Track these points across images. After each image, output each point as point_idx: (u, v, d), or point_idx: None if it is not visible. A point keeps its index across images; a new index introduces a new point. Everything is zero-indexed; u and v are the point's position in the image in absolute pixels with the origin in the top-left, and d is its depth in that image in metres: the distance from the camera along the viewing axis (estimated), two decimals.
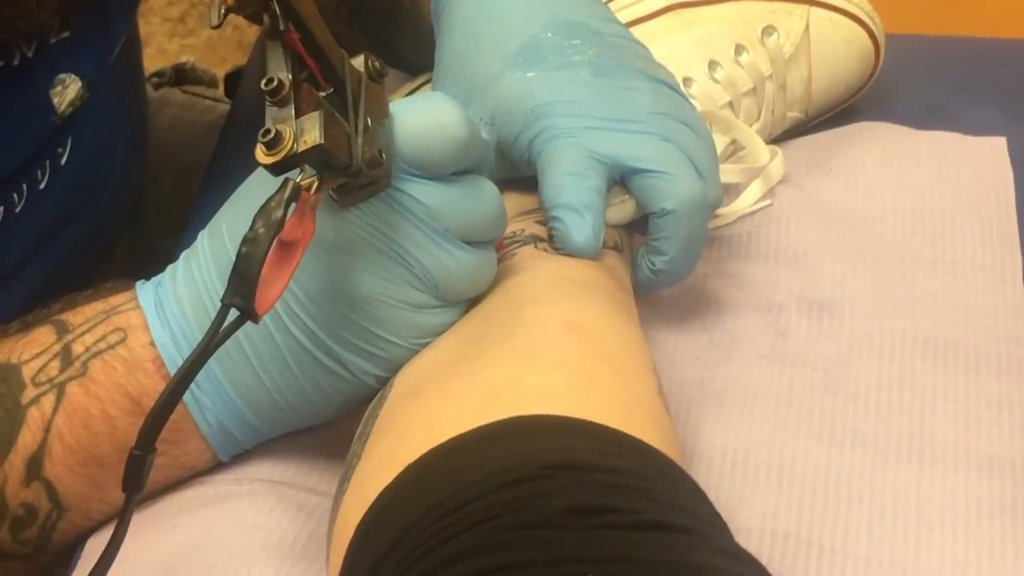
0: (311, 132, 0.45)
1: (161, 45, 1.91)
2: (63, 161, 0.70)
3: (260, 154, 0.45)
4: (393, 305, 0.52)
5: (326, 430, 0.59)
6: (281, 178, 0.46)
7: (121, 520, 0.45)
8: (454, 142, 0.51)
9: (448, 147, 0.51)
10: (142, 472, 0.44)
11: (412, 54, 0.78)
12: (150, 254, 0.93)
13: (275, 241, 0.44)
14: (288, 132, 0.44)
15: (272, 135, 0.44)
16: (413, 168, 0.51)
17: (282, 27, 0.45)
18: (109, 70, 0.72)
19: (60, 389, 0.54)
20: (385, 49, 0.79)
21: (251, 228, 0.44)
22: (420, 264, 0.52)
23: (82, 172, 0.72)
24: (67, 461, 0.54)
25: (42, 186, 0.69)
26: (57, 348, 0.55)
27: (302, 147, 0.44)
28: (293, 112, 0.45)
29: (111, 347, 0.54)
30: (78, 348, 0.55)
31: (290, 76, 0.46)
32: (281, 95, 0.45)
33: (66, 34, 0.66)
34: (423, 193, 0.51)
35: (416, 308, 0.53)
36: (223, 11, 0.46)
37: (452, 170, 0.52)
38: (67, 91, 0.67)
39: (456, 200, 0.52)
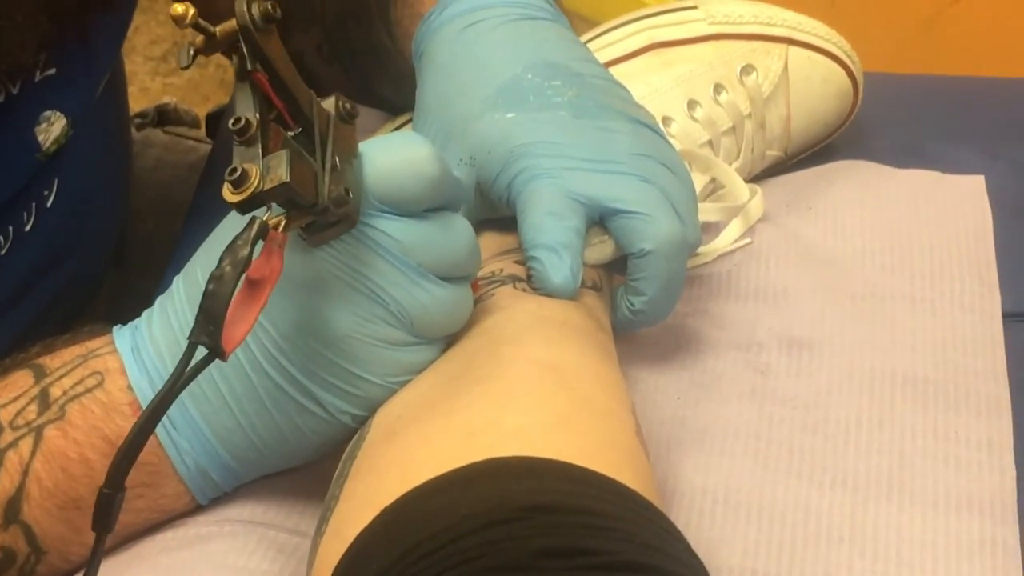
0: (277, 170, 0.45)
1: (143, 83, 1.92)
2: (49, 203, 0.70)
3: (227, 193, 0.45)
4: (368, 343, 0.52)
5: (305, 471, 0.58)
6: (248, 216, 0.46)
7: (92, 559, 0.45)
8: (425, 179, 0.51)
9: (419, 184, 0.51)
10: (112, 510, 0.44)
11: (393, 94, 0.79)
12: (134, 295, 0.92)
13: (243, 279, 0.44)
14: (254, 171, 0.45)
15: (238, 174, 0.45)
16: (385, 205, 0.51)
17: (250, 67, 0.46)
18: (94, 108, 0.73)
19: (38, 433, 0.54)
20: (366, 89, 0.79)
21: (217, 266, 0.44)
22: (394, 300, 0.52)
23: (68, 214, 0.72)
24: (45, 504, 0.54)
25: (27, 228, 0.69)
26: (35, 392, 0.55)
27: (268, 185, 0.45)
28: (260, 151, 0.45)
29: (89, 391, 0.54)
30: (56, 392, 0.55)
31: (258, 116, 0.46)
32: (248, 134, 0.46)
33: (52, 71, 0.67)
34: (395, 229, 0.51)
35: (392, 345, 0.53)
36: (192, 52, 0.46)
37: (424, 207, 0.52)
38: (52, 128, 0.67)
39: (428, 236, 0.52)
